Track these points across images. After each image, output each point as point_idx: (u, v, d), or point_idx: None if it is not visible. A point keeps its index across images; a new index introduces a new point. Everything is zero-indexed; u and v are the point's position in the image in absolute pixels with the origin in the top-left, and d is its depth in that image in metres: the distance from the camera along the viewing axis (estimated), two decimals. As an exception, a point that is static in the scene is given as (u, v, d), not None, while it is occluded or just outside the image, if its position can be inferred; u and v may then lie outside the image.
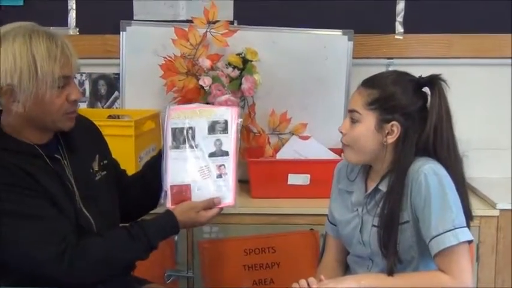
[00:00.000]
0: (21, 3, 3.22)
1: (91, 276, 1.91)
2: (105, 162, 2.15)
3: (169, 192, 2.07)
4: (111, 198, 2.14)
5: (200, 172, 2.09)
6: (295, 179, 2.86)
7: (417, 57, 3.20)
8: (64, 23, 3.24)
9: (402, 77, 2.01)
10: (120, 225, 2.10)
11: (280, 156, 3.02)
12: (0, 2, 3.22)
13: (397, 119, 1.94)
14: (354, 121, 1.99)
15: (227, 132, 2.09)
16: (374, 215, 1.99)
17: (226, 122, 2.10)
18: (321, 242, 2.53)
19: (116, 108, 3.28)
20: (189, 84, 2.93)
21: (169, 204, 2.08)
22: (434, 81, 1.97)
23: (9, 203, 1.84)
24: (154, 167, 2.18)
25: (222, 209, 2.09)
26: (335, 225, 2.19)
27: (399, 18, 3.21)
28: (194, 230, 2.73)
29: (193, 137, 2.09)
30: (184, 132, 2.09)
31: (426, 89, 1.99)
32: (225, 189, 2.08)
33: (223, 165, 2.09)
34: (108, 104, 3.30)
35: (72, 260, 1.86)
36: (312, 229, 2.73)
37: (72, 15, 3.25)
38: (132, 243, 1.96)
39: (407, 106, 1.95)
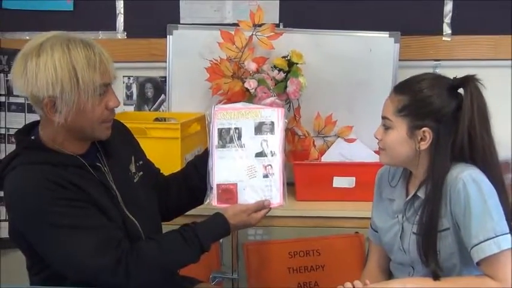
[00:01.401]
0: (71, 8, 3.28)
1: (147, 280, 1.92)
2: (141, 162, 2.16)
3: (215, 191, 2.09)
4: (151, 198, 2.16)
5: (247, 172, 2.09)
6: (341, 182, 2.85)
7: (465, 59, 3.16)
8: (112, 27, 3.29)
9: (435, 80, 1.98)
10: (164, 227, 2.12)
11: (325, 159, 3.02)
12: (51, 7, 3.28)
13: (429, 125, 1.91)
14: (386, 128, 1.98)
15: (273, 133, 2.10)
16: (413, 222, 1.98)
17: (272, 123, 2.11)
18: (366, 245, 2.51)
19: (163, 111, 3.32)
20: (234, 87, 2.94)
21: (215, 203, 2.09)
22: (466, 82, 1.92)
23: (61, 217, 1.85)
24: (197, 167, 2.20)
25: (270, 209, 2.10)
26: (377, 232, 2.18)
27: (447, 20, 3.18)
28: (239, 232, 2.75)
29: (239, 137, 2.10)
30: (231, 132, 2.10)
31: (462, 91, 1.95)
32: (272, 189, 2.09)
33: (270, 165, 2.09)
34: (154, 107, 3.34)
35: (128, 266, 1.87)
36: (357, 232, 2.72)
37: (120, 20, 3.29)
38: (186, 246, 1.97)
39: (440, 109, 1.91)
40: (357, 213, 2.72)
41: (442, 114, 1.91)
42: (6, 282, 3.01)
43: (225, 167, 2.10)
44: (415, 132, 1.93)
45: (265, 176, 2.09)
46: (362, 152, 3.03)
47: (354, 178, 2.85)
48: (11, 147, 3.25)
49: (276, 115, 2.12)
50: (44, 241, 1.88)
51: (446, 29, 3.18)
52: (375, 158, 2.98)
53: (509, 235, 1.84)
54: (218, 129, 2.11)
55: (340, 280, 1.95)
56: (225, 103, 2.94)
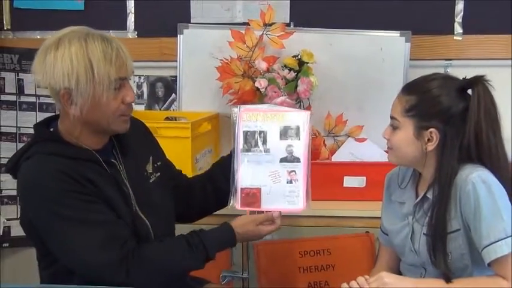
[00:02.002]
0: (82, 8, 3.29)
1: (148, 282, 1.93)
2: (159, 163, 2.16)
3: (239, 195, 2.10)
4: (166, 200, 2.16)
5: (271, 177, 2.10)
6: (351, 182, 2.85)
7: (476, 58, 3.14)
8: (123, 26, 3.29)
9: (444, 80, 1.97)
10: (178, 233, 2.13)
11: (335, 158, 3.01)
12: (62, 7, 3.29)
13: (435, 126, 1.91)
14: (394, 128, 1.98)
15: (299, 139, 2.10)
16: (423, 223, 1.97)
17: (298, 128, 2.11)
18: (377, 245, 2.51)
19: (173, 110, 3.32)
20: (245, 86, 2.95)
21: (238, 206, 2.10)
22: (474, 83, 1.91)
23: (71, 209, 1.86)
24: (223, 169, 2.20)
25: (279, 226, 2.11)
26: (387, 235, 2.17)
27: (458, 19, 3.16)
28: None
29: (264, 142, 2.10)
30: (256, 136, 2.10)
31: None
32: (294, 195, 2.10)
33: (294, 171, 2.10)
34: (165, 106, 3.34)
35: (131, 266, 1.88)
36: (367, 232, 2.71)
37: (130, 19, 3.30)
38: (190, 252, 1.98)
39: (447, 110, 1.90)
40: (368, 213, 2.71)
41: (449, 115, 1.90)
42: (15, 280, 3.03)
43: (249, 171, 2.10)
44: (422, 133, 1.93)
45: (289, 181, 2.10)
46: (372, 151, 3.02)
47: (364, 178, 2.85)
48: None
49: (301, 119, 2.12)
50: (52, 232, 1.90)
51: (458, 29, 3.17)
52: (385, 158, 2.94)
53: None
54: (243, 131, 2.11)
55: (350, 279, 1.95)
56: (236, 102, 2.95)
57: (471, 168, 1.88)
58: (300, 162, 2.10)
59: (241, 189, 2.10)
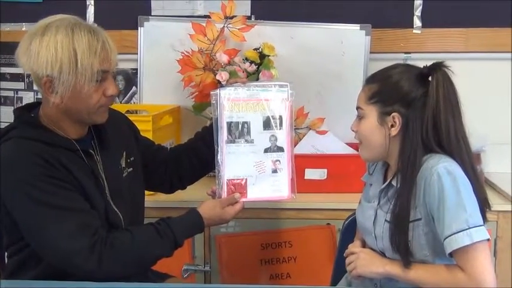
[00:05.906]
0: (41, 0, 3.25)
1: (118, 271, 1.93)
2: (132, 159, 2.17)
3: (225, 187, 2.11)
4: (137, 195, 2.18)
5: (256, 167, 2.13)
6: (312, 174, 2.86)
7: (435, 51, 3.18)
8: (82, 18, 3.21)
9: (405, 68, 2.01)
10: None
11: (297, 151, 3.01)
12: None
13: (397, 110, 1.93)
14: (360, 117, 2.01)
15: (282, 128, 2.13)
16: (387, 211, 1.99)
17: (281, 118, 2.13)
18: (338, 236, 2.52)
19: (134, 103, 3.30)
20: (206, 79, 2.94)
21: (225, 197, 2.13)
22: (433, 68, 1.94)
23: (45, 194, 1.86)
24: (206, 142, 2.22)
25: (243, 205, 2.12)
26: None
27: (417, 13, 3.20)
28: (211, 224, 2.74)
29: (248, 132, 2.12)
30: (240, 127, 2.12)
31: None
32: (279, 184, 2.13)
33: (279, 160, 2.13)
34: (126, 99, 3.31)
35: (101, 254, 1.88)
36: (328, 224, 2.73)
37: (90, 11, 3.26)
38: (159, 239, 1.98)
39: (407, 94, 1.93)
40: (329, 205, 2.73)
41: (409, 100, 1.93)
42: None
43: (234, 162, 2.12)
44: (385, 118, 1.95)
45: (274, 171, 2.13)
46: (333, 144, 3.05)
47: (325, 170, 2.86)
48: None
49: (284, 108, 2.14)
50: (24, 214, 1.89)
51: (417, 22, 3.20)
52: (346, 150, 3.00)
53: (482, 227, 1.84)
54: (227, 122, 2.12)
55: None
56: (197, 95, 2.95)
57: (437, 158, 1.90)
58: (283, 151, 2.13)
59: (228, 180, 2.12)
